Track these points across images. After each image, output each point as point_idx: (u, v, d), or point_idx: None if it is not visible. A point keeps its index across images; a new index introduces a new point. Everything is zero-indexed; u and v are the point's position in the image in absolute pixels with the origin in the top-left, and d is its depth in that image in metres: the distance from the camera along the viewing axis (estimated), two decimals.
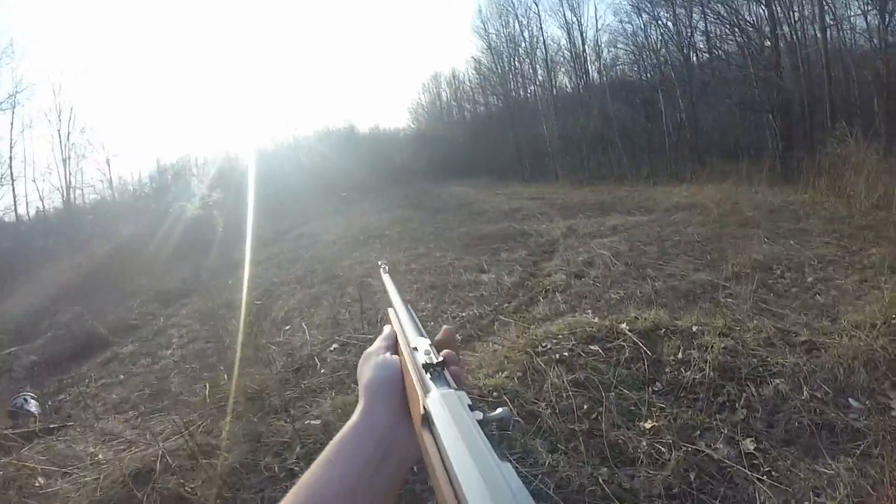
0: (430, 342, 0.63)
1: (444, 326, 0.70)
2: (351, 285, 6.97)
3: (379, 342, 0.71)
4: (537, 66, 26.91)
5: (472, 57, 34.17)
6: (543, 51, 24.47)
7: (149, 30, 48.74)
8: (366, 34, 67.00)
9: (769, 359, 3.27)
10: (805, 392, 2.93)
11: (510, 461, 0.36)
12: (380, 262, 1.12)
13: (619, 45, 23.57)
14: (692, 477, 2.43)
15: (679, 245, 7.23)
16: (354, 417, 0.59)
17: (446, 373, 0.55)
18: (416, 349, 0.61)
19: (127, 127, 46.08)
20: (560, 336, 3.65)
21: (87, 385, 5.65)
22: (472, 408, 0.45)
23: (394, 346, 0.69)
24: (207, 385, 3.93)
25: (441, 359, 0.57)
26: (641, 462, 2.54)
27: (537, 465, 2.52)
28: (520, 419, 2.76)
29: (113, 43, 48.60)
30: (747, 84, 18.18)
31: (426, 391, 0.50)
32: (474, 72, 34.98)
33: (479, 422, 0.42)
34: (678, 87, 19.36)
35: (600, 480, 2.41)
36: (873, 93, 15.55)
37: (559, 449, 2.60)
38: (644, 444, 2.63)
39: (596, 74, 24.40)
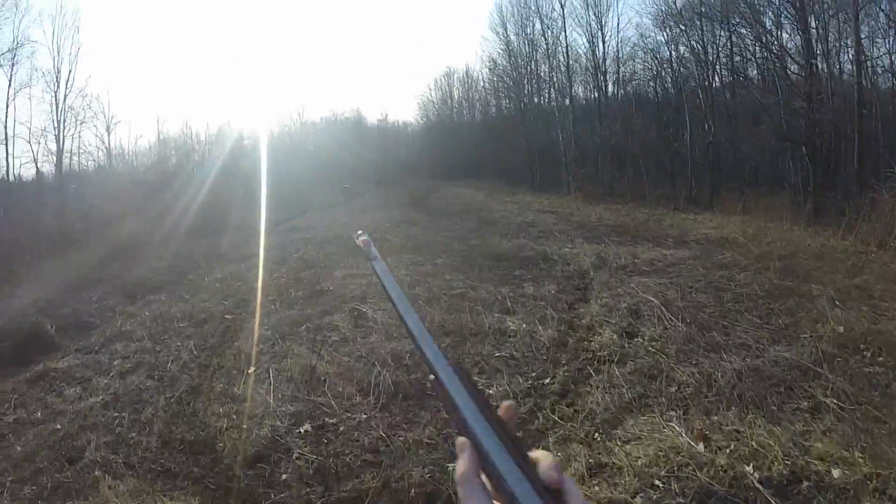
0: (522, 463, 0.44)
1: (505, 403, 0.51)
2: (340, 311, 5.57)
3: (463, 465, 0.47)
4: (555, 72, 25.52)
5: (489, 56, 32.57)
6: (565, 56, 22.93)
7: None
8: (380, 21, 65.41)
9: None
10: None
11: None
12: (358, 233, 0.72)
13: (638, 60, 22.22)
14: None
15: (740, 300, 5.85)
16: None
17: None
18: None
19: (130, 95, 44.45)
20: (658, 481, 2.25)
21: None
22: None
23: (478, 467, 0.46)
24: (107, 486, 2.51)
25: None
26: None
27: None
28: None
29: (121, 10, 46.90)
30: (776, 112, 16.86)
31: None
32: (488, 71, 33.43)
33: None
34: (703, 107, 17.95)
35: None
36: None
37: None
38: None
39: (611, 86, 22.99)
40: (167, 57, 47.42)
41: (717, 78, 19.09)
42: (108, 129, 25.26)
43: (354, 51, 64.02)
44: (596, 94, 22.75)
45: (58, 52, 21.40)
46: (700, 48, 18.69)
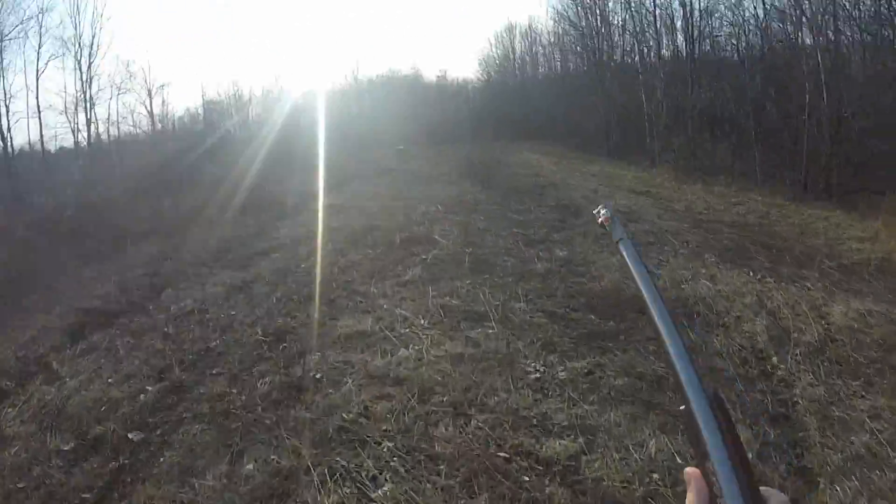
0: None
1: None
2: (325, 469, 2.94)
3: (691, 499, 0.47)
4: (633, 24, 21.47)
5: (555, 7, 28.49)
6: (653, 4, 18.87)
7: None
8: None
9: None
10: None
11: None
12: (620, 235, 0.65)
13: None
14: None
15: None
16: None
17: None
18: None
19: (175, 60, 42.69)
20: None
21: None
22: None
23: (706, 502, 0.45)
24: None
25: None
26: None
27: None
28: None
29: None
30: None
31: None
32: (553, 23, 29.47)
33: None
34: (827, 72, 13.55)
35: None
36: None
37: None
38: None
39: (701, 43, 18.70)
40: (210, 17, 45.32)
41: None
42: (149, 93, 23.55)
43: (411, 4, 60.11)
44: (687, 50, 18.66)
45: (78, 14, 19.56)
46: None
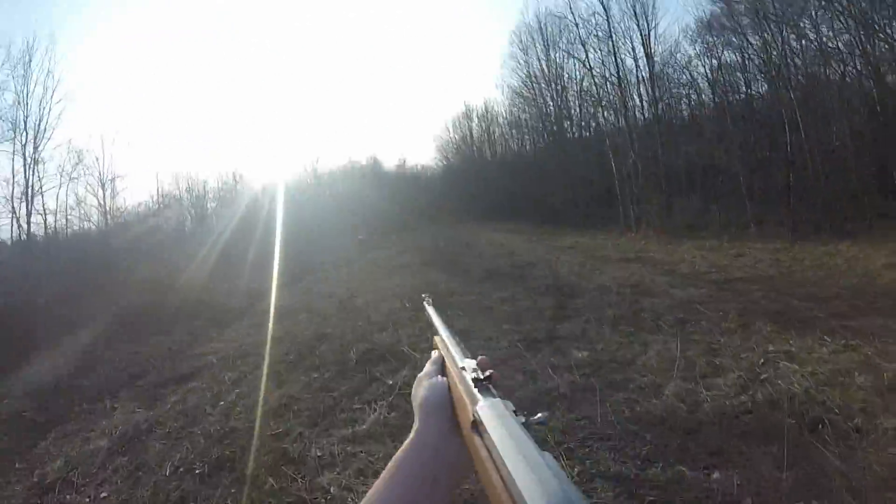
0: (475, 362, 0.63)
1: (480, 357, 0.66)
2: None
3: (428, 366, 0.72)
4: (583, 99, 21.19)
5: (510, 87, 28.51)
6: (614, 70, 18.52)
7: (154, 47, 44.51)
8: (394, 65, 62.79)
9: None
10: None
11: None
12: (424, 296, 1.12)
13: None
14: None
15: None
16: (411, 435, 0.62)
17: (492, 387, 0.55)
18: (464, 368, 0.63)
19: (131, 152, 41.22)
20: None
21: None
22: (516, 413, 0.47)
23: (442, 369, 0.71)
24: None
25: (488, 374, 0.58)
26: None
27: None
28: None
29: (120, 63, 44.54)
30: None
31: (475, 402, 0.52)
32: (509, 103, 29.45)
33: (523, 424, 0.45)
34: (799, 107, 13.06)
35: None
36: None
37: None
38: None
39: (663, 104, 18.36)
40: (169, 112, 44.59)
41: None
42: (102, 184, 21.85)
43: (368, 97, 61.20)
44: (651, 112, 18.20)
45: (26, 98, 18.12)
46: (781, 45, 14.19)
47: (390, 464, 0.59)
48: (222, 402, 4.78)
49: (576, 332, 5.32)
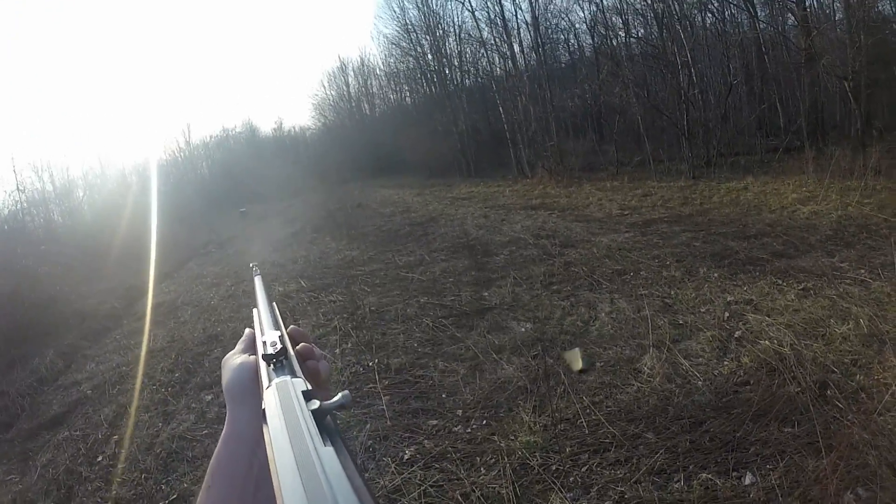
0: (280, 333, 0.50)
1: (293, 326, 0.58)
2: None
3: (239, 345, 0.59)
4: (465, 46, 20.17)
5: (385, 38, 26.68)
6: (501, 8, 17.40)
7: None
8: (259, 20, 57.32)
9: None
10: None
11: (342, 440, 0.32)
12: (252, 264, 0.89)
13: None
14: None
15: None
16: (224, 428, 0.50)
17: (293, 362, 0.45)
18: (265, 343, 0.49)
19: None
20: None
21: None
22: (308, 395, 0.37)
23: (252, 347, 0.57)
24: None
25: (281, 347, 0.46)
26: None
27: None
28: None
29: None
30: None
31: (268, 385, 0.41)
32: (386, 54, 27.73)
33: (316, 410, 0.35)
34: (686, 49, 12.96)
35: None
36: None
37: None
38: None
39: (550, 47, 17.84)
40: (13, 93, 37.17)
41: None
42: None
43: (236, 56, 55.57)
44: (539, 57, 17.47)
45: None
46: None
47: (212, 462, 0.47)
48: (100, 458, 3.45)
49: (507, 298, 4.52)
